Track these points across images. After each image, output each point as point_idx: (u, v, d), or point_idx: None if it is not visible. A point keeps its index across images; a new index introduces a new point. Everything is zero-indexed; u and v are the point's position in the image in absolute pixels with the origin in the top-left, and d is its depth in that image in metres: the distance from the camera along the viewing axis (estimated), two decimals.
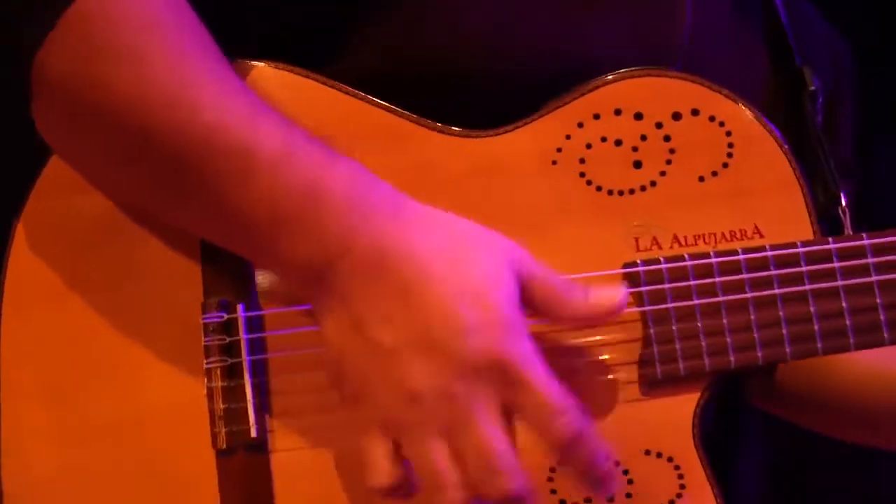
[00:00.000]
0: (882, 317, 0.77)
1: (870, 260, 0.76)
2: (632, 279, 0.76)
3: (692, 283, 0.76)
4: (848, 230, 0.81)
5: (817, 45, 0.95)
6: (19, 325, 0.79)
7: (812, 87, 0.91)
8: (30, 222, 0.81)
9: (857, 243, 0.77)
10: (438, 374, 0.66)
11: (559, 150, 0.79)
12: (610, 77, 0.78)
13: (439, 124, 0.79)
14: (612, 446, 0.72)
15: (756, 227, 0.79)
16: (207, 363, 0.76)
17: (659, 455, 0.79)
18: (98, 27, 0.70)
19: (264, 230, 0.71)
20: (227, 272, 0.79)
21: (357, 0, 0.79)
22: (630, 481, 0.78)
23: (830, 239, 0.78)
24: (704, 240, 0.78)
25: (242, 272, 0.78)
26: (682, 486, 0.79)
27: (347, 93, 0.79)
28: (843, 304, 0.76)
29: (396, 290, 0.67)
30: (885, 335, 0.77)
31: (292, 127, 0.72)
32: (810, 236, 0.79)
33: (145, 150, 0.72)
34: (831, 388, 0.90)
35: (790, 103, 0.86)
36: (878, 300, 0.76)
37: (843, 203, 0.83)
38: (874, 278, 0.76)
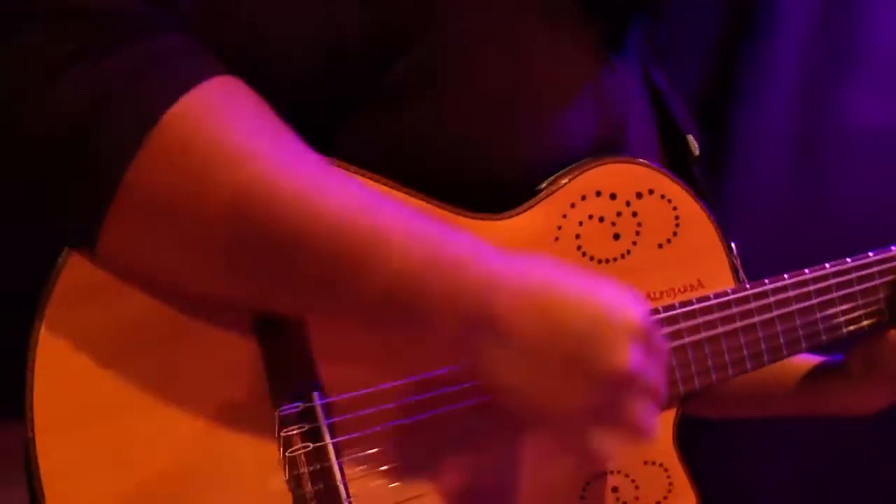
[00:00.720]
0: (782, 340, 1.04)
1: (770, 299, 1.03)
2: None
3: (682, 326, 0.97)
4: (741, 271, 1.07)
5: (684, 116, 1.17)
6: (57, 452, 0.72)
7: (696, 153, 1.12)
8: (54, 328, 0.71)
9: (761, 289, 1.03)
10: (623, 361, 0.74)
11: (559, 228, 0.94)
12: (591, 164, 0.96)
13: (461, 209, 0.88)
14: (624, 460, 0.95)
15: (699, 280, 1.01)
16: (290, 452, 0.78)
17: (653, 463, 0.99)
18: (201, 136, 0.65)
19: (404, 307, 0.72)
20: (286, 361, 0.79)
21: (355, 103, 0.81)
22: (636, 487, 0.98)
23: (747, 285, 1.03)
24: (667, 294, 0.99)
25: (303, 358, 0.79)
26: (671, 486, 0.99)
27: (383, 182, 0.84)
28: (760, 334, 1.02)
29: (550, 315, 0.73)
30: (784, 352, 1.04)
31: (401, 205, 0.76)
32: (732, 284, 1.05)
33: (268, 252, 0.69)
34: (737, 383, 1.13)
35: (680, 169, 1.04)
36: (778, 328, 1.03)
37: (735, 252, 1.09)
38: (775, 313, 1.03)
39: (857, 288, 1.08)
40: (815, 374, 1.20)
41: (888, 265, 1.10)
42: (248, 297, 0.74)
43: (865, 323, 1.10)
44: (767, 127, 2.25)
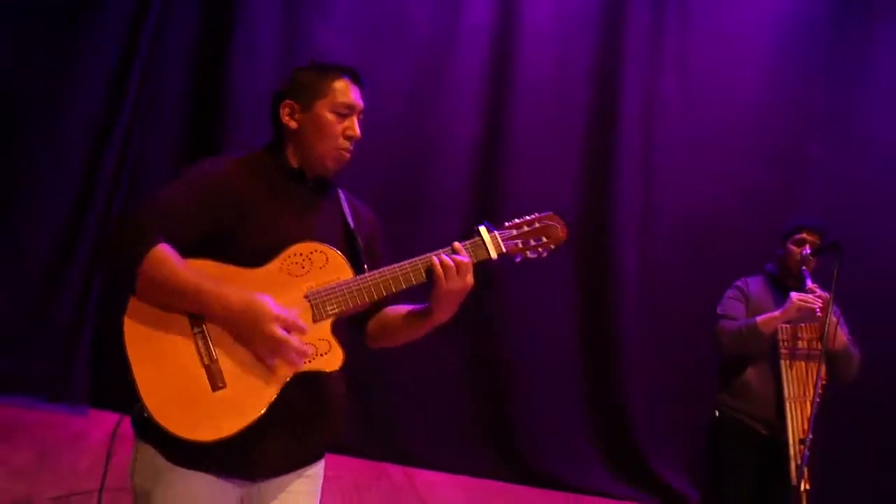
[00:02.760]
0: (369, 297, 1.99)
1: (368, 282, 2.00)
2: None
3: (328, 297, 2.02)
4: (365, 271, 2.10)
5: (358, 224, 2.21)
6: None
7: (361, 245, 2.18)
8: (130, 320, 1.89)
9: (360, 277, 2.01)
10: (271, 330, 1.85)
11: (280, 267, 2.02)
12: (300, 241, 2.05)
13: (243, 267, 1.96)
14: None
15: (338, 277, 2.02)
16: (197, 347, 1.89)
17: (322, 340, 1.95)
18: (155, 262, 1.84)
19: (216, 309, 1.86)
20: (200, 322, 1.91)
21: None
22: (316, 350, 1.94)
23: (361, 276, 2.02)
24: (324, 284, 2.02)
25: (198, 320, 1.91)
26: (330, 347, 1.95)
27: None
28: (360, 298, 2.00)
29: (248, 314, 1.86)
30: (371, 297, 2.00)
31: (204, 278, 1.88)
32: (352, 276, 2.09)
33: (175, 296, 1.86)
34: (385, 324, 2.22)
35: (351, 249, 2.15)
36: (367, 290, 2.00)
37: (366, 270, 2.13)
38: (369, 283, 2.00)
39: (409, 270, 2.02)
40: (412, 313, 2.17)
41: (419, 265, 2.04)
42: (183, 308, 1.90)
43: (415, 283, 2.03)
44: None
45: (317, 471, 2.12)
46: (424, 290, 2.11)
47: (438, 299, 2.02)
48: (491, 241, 2.08)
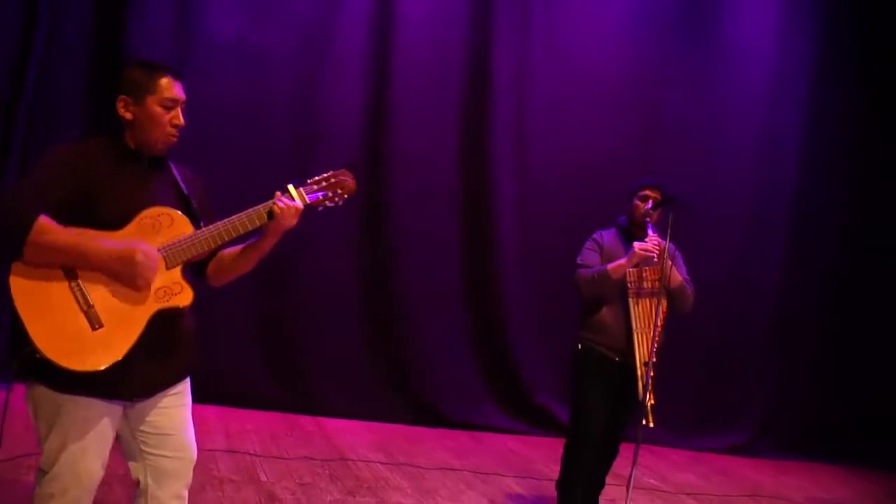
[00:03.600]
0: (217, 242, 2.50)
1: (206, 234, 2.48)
2: None
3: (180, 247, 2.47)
4: (201, 225, 2.53)
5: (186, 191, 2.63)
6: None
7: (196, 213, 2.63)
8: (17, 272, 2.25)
9: (199, 231, 2.48)
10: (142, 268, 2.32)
11: (138, 224, 2.44)
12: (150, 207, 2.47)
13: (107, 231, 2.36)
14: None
15: (183, 232, 2.50)
16: (76, 297, 2.29)
17: (175, 282, 2.42)
18: (40, 230, 2.21)
19: (94, 260, 2.28)
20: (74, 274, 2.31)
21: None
22: (171, 291, 2.42)
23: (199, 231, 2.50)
24: (177, 237, 2.49)
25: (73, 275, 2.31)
26: (182, 287, 2.43)
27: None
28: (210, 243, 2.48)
29: (124, 256, 2.29)
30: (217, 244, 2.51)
31: (81, 237, 2.29)
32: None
33: (62, 254, 2.25)
34: (221, 263, 2.66)
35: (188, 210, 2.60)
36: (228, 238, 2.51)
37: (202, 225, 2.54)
38: (207, 235, 2.48)
39: (245, 219, 2.50)
40: (245, 248, 2.62)
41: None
42: (69, 263, 2.29)
43: (251, 228, 2.51)
44: None
45: (181, 389, 2.58)
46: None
47: (272, 233, 2.54)
48: (297, 194, 2.55)
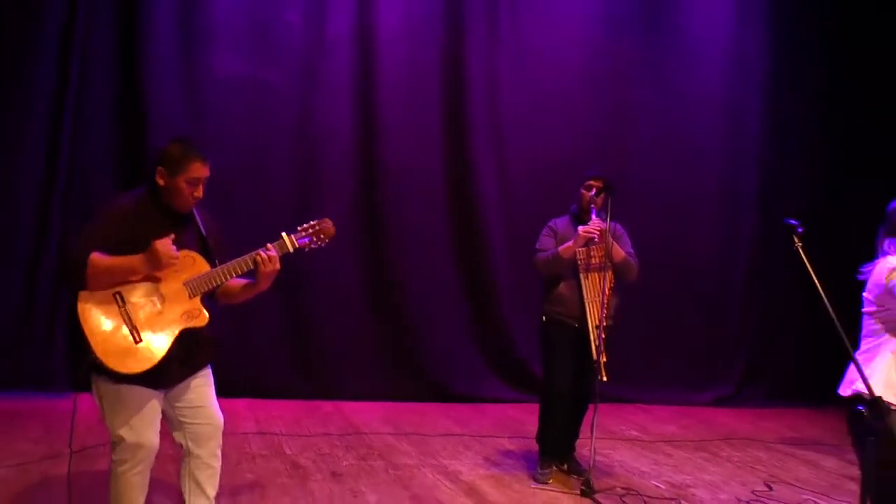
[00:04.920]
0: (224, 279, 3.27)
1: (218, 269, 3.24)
2: None
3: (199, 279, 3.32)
4: (216, 262, 3.30)
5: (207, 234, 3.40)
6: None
7: (213, 254, 3.36)
8: (82, 300, 3.05)
9: (212, 270, 3.25)
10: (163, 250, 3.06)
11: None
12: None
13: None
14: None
15: (199, 271, 3.28)
16: (124, 318, 3.09)
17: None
18: (93, 262, 3.00)
19: (136, 267, 3.06)
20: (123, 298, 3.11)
21: None
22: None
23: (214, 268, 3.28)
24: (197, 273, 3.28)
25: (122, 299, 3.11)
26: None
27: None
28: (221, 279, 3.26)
29: (149, 253, 3.04)
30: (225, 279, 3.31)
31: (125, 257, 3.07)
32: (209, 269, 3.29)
33: (112, 273, 3.05)
34: (228, 292, 3.45)
35: (206, 250, 3.39)
36: (233, 276, 3.26)
37: (217, 265, 3.28)
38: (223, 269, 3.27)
39: (242, 263, 3.23)
40: (245, 285, 3.39)
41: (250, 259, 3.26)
42: (119, 280, 3.11)
43: (246, 270, 3.25)
44: None
45: (205, 373, 3.38)
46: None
47: (260, 277, 3.26)
48: (289, 241, 3.28)
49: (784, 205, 8.12)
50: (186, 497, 3.37)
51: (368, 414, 6.51)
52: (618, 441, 6.18)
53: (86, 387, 3.24)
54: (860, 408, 2.74)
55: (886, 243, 3.28)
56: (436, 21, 7.37)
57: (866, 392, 2.84)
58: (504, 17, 7.56)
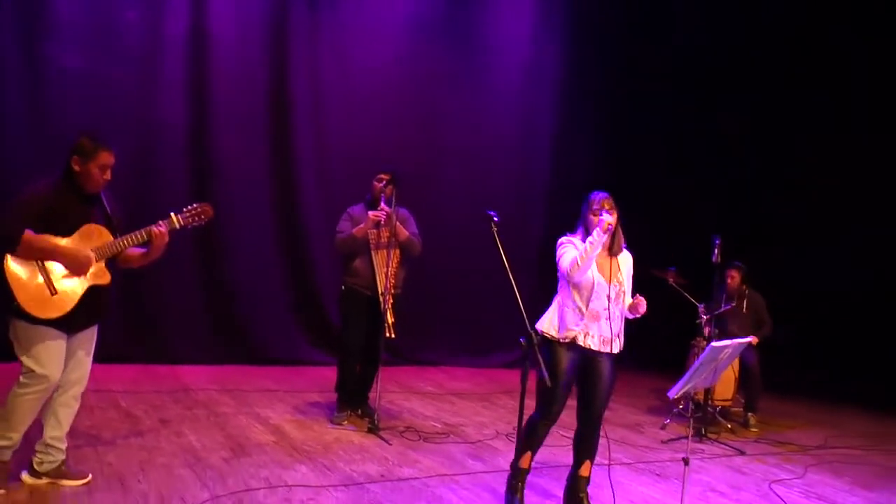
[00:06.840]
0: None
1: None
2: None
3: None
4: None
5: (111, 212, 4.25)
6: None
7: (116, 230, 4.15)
8: (8, 262, 3.82)
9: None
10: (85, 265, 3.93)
11: (91, 235, 3.98)
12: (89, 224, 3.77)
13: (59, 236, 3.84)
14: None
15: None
16: (43, 274, 3.90)
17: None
18: (26, 240, 3.79)
19: (58, 257, 3.88)
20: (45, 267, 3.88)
21: None
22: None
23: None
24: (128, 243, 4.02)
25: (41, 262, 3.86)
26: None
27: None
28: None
29: (78, 256, 3.91)
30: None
31: (50, 243, 3.88)
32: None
33: (39, 253, 3.85)
34: (127, 258, 4.24)
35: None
36: (132, 244, 3.74)
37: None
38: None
39: (140, 234, 4.07)
40: (140, 254, 4.22)
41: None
42: (37, 258, 3.89)
43: (141, 241, 4.08)
44: None
45: (94, 329, 4.16)
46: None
47: (153, 248, 4.09)
48: (175, 219, 4.13)
49: (573, 193, 9.49)
50: (46, 427, 4.15)
51: (198, 375, 7.37)
52: (412, 394, 7.31)
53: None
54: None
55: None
56: (264, 23, 8.25)
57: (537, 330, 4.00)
58: (325, 21, 8.53)
